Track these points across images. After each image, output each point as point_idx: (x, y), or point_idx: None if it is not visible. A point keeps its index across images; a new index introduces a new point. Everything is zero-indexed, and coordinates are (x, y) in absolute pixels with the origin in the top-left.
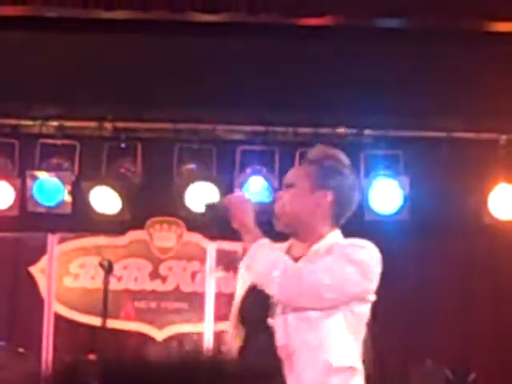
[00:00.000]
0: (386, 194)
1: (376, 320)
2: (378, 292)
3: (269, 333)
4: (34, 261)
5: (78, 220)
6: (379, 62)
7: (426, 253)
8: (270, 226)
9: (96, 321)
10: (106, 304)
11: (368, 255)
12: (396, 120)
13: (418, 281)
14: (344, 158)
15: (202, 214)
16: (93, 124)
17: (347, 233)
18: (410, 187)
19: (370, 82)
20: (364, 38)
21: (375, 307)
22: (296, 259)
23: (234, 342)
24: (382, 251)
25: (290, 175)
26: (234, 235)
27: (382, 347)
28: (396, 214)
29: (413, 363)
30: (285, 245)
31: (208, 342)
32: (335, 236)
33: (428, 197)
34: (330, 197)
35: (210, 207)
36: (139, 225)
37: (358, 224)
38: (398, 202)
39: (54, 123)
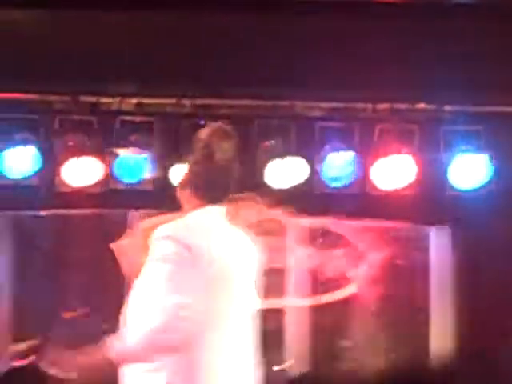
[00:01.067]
0: (467, 170)
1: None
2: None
3: None
4: (116, 238)
5: (158, 197)
6: (457, 36)
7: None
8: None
9: None
10: None
11: None
12: (476, 95)
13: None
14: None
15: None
16: (171, 101)
17: (430, 208)
18: (491, 163)
19: (448, 57)
20: (441, 14)
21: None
22: None
23: None
24: (465, 225)
25: None
26: (314, 211)
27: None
28: (477, 189)
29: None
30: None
31: (290, 318)
32: None
33: (509, 172)
34: None
35: None
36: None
37: (439, 199)
38: (479, 177)
39: (133, 100)
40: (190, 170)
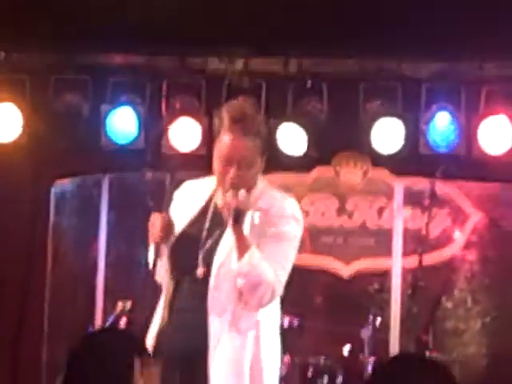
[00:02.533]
0: None
1: None
2: None
3: (196, 283)
4: None
5: (266, 157)
6: None
7: None
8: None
9: None
10: None
11: None
12: None
13: None
14: None
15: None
16: (278, 63)
17: None
18: None
19: None
20: None
21: None
22: None
23: (166, 292)
24: None
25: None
26: (420, 172)
27: None
28: None
29: None
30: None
31: (396, 278)
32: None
33: None
34: None
35: None
36: (326, 161)
37: None
38: None
39: (240, 62)
40: None
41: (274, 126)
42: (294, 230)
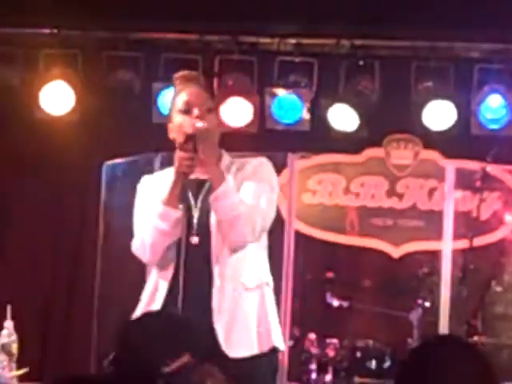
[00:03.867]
0: None
1: None
2: None
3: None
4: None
5: (316, 137)
6: None
7: None
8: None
9: (334, 237)
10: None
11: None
12: None
13: None
14: None
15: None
16: (331, 41)
17: None
18: None
19: None
20: None
21: None
22: None
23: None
24: None
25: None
26: (472, 154)
27: None
28: None
29: None
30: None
31: (446, 261)
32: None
33: None
34: None
35: None
36: (376, 142)
37: None
38: None
39: (292, 40)
40: None
41: (326, 106)
42: (272, 179)
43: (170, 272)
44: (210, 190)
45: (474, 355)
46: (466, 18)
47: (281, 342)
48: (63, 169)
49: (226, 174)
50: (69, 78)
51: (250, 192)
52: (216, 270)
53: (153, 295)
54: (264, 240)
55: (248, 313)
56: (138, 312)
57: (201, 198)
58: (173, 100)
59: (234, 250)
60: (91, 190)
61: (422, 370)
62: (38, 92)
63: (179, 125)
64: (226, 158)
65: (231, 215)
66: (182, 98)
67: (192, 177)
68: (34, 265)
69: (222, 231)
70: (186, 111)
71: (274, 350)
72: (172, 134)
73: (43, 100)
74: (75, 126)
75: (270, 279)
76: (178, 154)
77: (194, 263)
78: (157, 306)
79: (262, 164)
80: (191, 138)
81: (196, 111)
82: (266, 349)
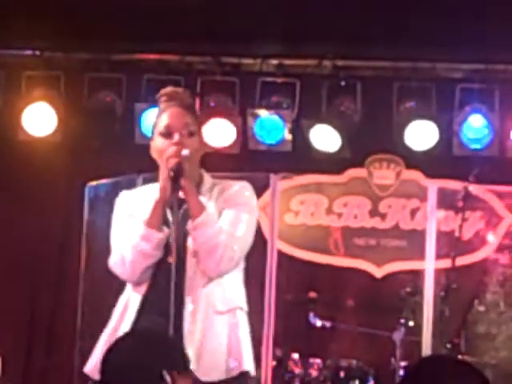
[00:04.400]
0: None
1: None
2: None
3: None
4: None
5: (298, 158)
6: None
7: None
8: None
9: (316, 257)
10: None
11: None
12: None
13: None
14: None
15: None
16: (313, 62)
17: None
18: None
19: None
20: None
21: None
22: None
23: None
24: None
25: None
26: (454, 174)
27: None
28: None
29: None
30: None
31: (428, 280)
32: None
33: None
34: None
35: None
36: (359, 162)
37: None
38: None
39: (274, 61)
40: None
41: (308, 127)
42: (252, 203)
43: (143, 289)
44: (188, 211)
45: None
46: (447, 39)
47: (251, 367)
48: (46, 190)
49: (208, 196)
50: (51, 100)
51: (229, 220)
52: (188, 297)
53: (124, 311)
54: (240, 263)
55: (218, 337)
56: (108, 327)
57: (179, 217)
58: (156, 119)
59: (210, 279)
60: (74, 210)
61: None
62: (20, 113)
63: (160, 150)
64: (208, 179)
65: (209, 245)
66: (164, 120)
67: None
68: (15, 287)
69: (199, 260)
70: (167, 135)
71: (245, 374)
72: (154, 154)
73: (25, 121)
74: (58, 148)
75: (243, 303)
76: (163, 184)
77: (167, 283)
78: (127, 322)
79: (242, 188)
80: (179, 166)
81: (176, 136)
82: (235, 373)
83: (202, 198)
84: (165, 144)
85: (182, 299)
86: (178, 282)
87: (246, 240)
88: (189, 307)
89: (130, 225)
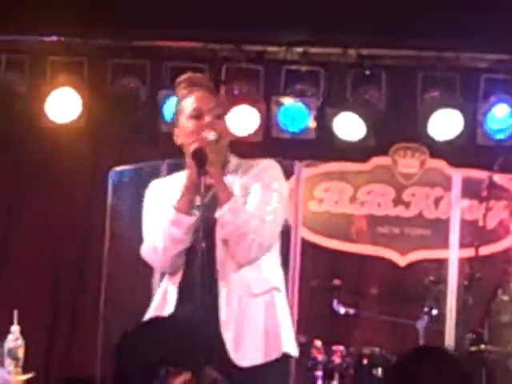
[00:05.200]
0: None
1: None
2: None
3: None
4: None
5: (322, 146)
6: None
7: None
8: None
9: (339, 245)
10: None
11: None
12: None
13: None
14: None
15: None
16: (338, 50)
17: None
18: None
19: None
20: None
21: None
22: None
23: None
24: None
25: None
26: (478, 163)
27: None
28: None
29: None
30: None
31: (452, 269)
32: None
33: None
34: None
35: None
36: (383, 151)
37: None
38: None
39: (299, 49)
40: None
41: (332, 115)
42: (282, 185)
43: (178, 278)
44: (215, 196)
45: (455, 367)
46: (472, 29)
47: (293, 348)
48: (69, 176)
49: (234, 175)
50: (75, 85)
51: (258, 201)
52: (221, 282)
53: (163, 301)
54: (276, 246)
55: (255, 321)
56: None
57: (206, 202)
58: (178, 104)
59: (241, 266)
60: (98, 196)
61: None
62: (44, 99)
63: (191, 131)
64: (233, 160)
65: (238, 233)
66: (191, 103)
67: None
68: (39, 271)
69: (229, 247)
70: (197, 117)
71: (286, 356)
72: (180, 139)
73: (49, 108)
74: (81, 134)
75: (280, 284)
76: (189, 169)
77: (200, 271)
78: (167, 312)
79: (271, 167)
80: (200, 151)
81: (207, 118)
82: (275, 356)
83: (229, 177)
84: (196, 125)
85: (215, 285)
86: (210, 267)
87: (276, 223)
88: (223, 293)
89: (161, 213)
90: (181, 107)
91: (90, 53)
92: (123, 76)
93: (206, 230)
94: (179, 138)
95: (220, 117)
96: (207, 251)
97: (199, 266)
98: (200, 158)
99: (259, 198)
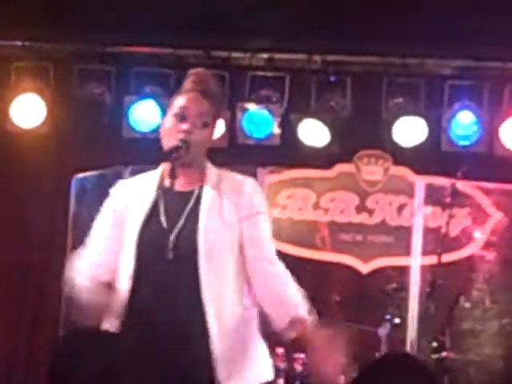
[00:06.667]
0: None
1: None
2: None
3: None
4: None
5: (286, 152)
6: None
7: None
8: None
9: (302, 252)
10: None
11: None
12: None
13: None
14: None
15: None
16: (303, 57)
17: None
18: None
19: None
20: None
21: None
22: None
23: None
24: None
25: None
26: (442, 170)
27: None
28: None
29: None
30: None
31: (414, 277)
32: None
33: None
34: None
35: None
36: (347, 158)
37: None
38: None
39: (264, 55)
40: None
41: (297, 121)
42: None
43: (127, 288)
44: (197, 204)
45: (418, 372)
46: (437, 35)
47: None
48: (33, 182)
49: (217, 191)
50: (40, 91)
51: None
52: (206, 296)
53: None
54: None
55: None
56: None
57: (186, 212)
58: (173, 98)
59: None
60: (60, 202)
61: None
62: (8, 104)
63: (167, 130)
64: (213, 170)
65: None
66: (181, 101)
67: (176, 189)
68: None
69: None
70: (180, 117)
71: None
72: (161, 134)
73: (14, 113)
74: (45, 139)
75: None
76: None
77: (169, 282)
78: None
79: (257, 192)
80: (170, 153)
81: (185, 126)
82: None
83: (209, 189)
84: (175, 126)
85: (196, 299)
86: (186, 281)
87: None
88: (210, 309)
89: (106, 224)
90: (172, 101)
91: (56, 58)
92: (89, 82)
93: (183, 241)
94: (161, 133)
95: (205, 125)
96: (181, 261)
97: (167, 277)
98: (171, 158)
99: (270, 247)
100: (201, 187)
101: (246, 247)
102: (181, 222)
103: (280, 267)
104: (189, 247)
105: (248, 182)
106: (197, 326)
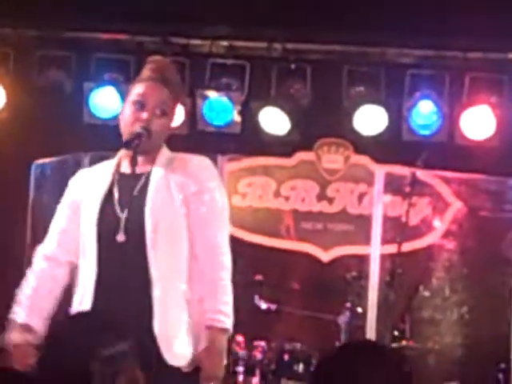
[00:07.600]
0: None
1: None
2: None
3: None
4: None
5: (246, 140)
6: None
7: None
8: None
9: (263, 240)
10: None
11: None
12: None
13: None
14: None
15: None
16: (263, 45)
17: None
18: None
19: None
20: None
21: None
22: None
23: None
24: None
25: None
26: (402, 159)
27: None
28: None
29: None
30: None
31: (374, 265)
32: None
33: None
34: None
35: None
36: (307, 146)
37: None
38: None
39: (224, 43)
40: None
41: (257, 109)
42: (218, 181)
43: (94, 272)
44: (146, 185)
45: (389, 362)
46: (398, 24)
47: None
48: None
49: (164, 170)
50: (0, 77)
51: (221, 241)
52: (154, 274)
53: (83, 294)
54: None
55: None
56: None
57: (135, 193)
58: (132, 85)
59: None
60: (20, 188)
61: (331, 379)
62: None
63: (126, 120)
64: (165, 153)
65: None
66: (139, 89)
67: (127, 171)
68: None
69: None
70: (138, 105)
71: None
72: (120, 122)
73: None
74: (5, 125)
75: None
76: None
77: (124, 263)
78: (87, 304)
79: (206, 166)
80: (131, 142)
81: (145, 114)
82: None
83: (158, 169)
84: (134, 114)
85: (146, 283)
86: (137, 261)
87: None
88: (156, 292)
89: (64, 214)
90: (131, 88)
91: (16, 44)
92: (49, 68)
93: (131, 221)
94: (120, 121)
95: (164, 113)
96: (130, 242)
97: (120, 259)
98: (132, 146)
99: (221, 239)
100: (151, 169)
101: (194, 224)
102: (130, 204)
103: (222, 258)
104: (137, 226)
105: (195, 159)
106: (143, 306)
